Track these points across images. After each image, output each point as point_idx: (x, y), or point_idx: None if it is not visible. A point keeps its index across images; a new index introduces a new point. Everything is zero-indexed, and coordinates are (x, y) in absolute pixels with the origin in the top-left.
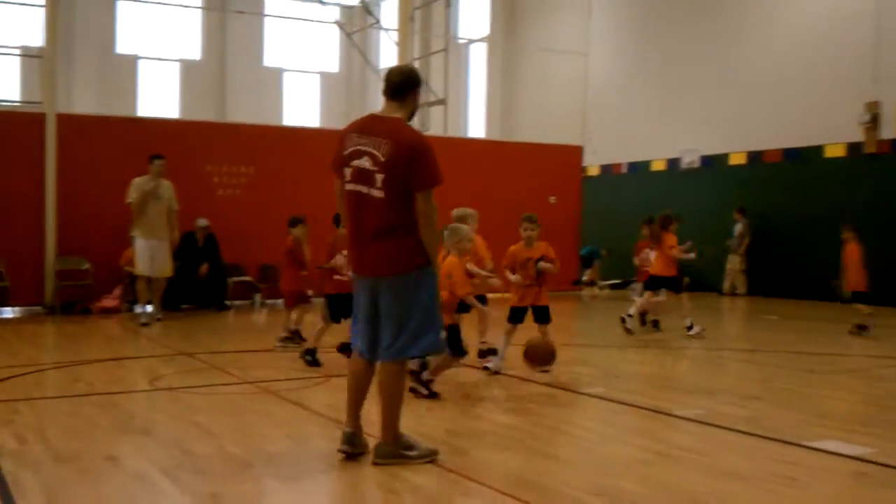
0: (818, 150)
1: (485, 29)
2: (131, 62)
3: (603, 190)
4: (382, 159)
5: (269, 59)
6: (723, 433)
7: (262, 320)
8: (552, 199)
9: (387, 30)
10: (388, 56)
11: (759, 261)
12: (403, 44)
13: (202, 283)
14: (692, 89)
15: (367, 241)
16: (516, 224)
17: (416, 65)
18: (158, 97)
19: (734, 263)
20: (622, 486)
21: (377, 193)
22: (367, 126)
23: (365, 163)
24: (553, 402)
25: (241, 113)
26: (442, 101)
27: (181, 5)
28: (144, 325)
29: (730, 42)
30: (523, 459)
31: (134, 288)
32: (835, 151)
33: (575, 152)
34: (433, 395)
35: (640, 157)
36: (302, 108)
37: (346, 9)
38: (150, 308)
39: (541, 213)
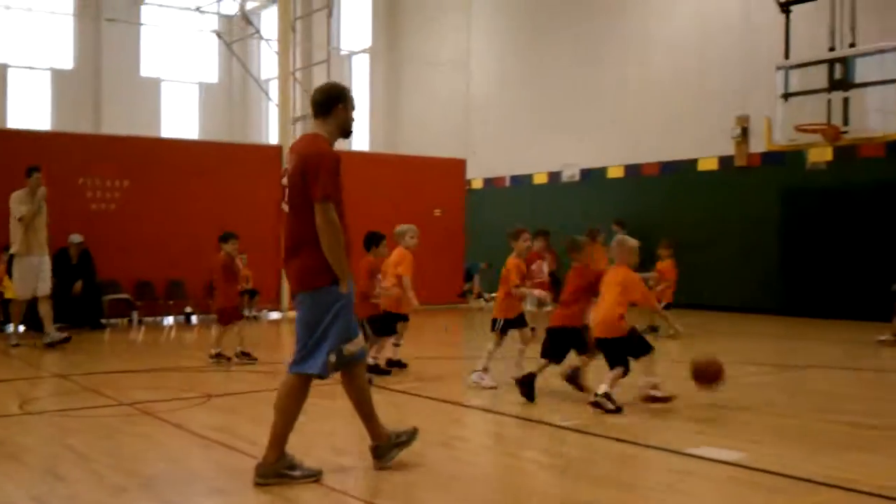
0: (692, 163)
1: (367, 41)
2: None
3: (486, 203)
4: (290, 175)
5: (147, 69)
6: (605, 442)
7: (139, 339)
8: (437, 213)
9: (267, 40)
10: (268, 66)
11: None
12: (284, 54)
13: (76, 302)
14: (572, 104)
15: (285, 256)
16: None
17: (298, 76)
18: (29, 108)
19: None
20: (506, 499)
21: (286, 208)
22: (293, 145)
23: (285, 180)
24: (439, 416)
25: (117, 124)
26: None
27: (51, 12)
28: (16, 345)
29: (608, 59)
30: (410, 476)
31: (6, 310)
32: (708, 165)
33: (458, 165)
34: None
35: (522, 171)
36: (181, 119)
37: (226, 18)
38: (21, 328)
39: (426, 227)
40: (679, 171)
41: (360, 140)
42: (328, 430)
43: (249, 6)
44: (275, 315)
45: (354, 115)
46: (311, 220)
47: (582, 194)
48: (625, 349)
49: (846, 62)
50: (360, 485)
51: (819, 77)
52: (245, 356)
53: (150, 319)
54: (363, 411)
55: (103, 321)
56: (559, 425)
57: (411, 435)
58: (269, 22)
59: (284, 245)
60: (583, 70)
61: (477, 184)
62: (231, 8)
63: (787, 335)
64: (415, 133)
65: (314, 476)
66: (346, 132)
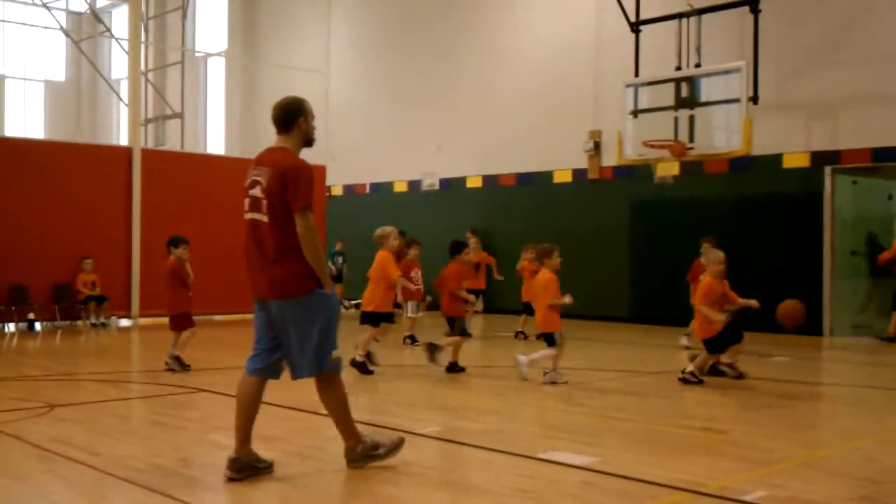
0: (548, 175)
1: (223, 43)
2: None
3: (346, 210)
4: (266, 186)
5: None
6: (461, 449)
7: None
8: None
9: (118, 39)
10: (119, 66)
11: (492, 279)
12: (135, 54)
13: None
14: (431, 113)
15: (257, 266)
16: None
17: (151, 77)
18: None
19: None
20: None
21: (263, 218)
22: (260, 158)
23: (256, 192)
24: (294, 426)
25: None
26: (178, 115)
27: None
28: None
29: (467, 70)
30: (265, 486)
31: None
32: (562, 177)
33: (318, 172)
34: None
35: (382, 178)
36: (25, 118)
37: (75, 15)
38: None
39: None
40: (535, 183)
41: (216, 144)
42: (171, 439)
43: (100, 4)
44: (125, 322)
45: (315, 123)
46: (292, 229)
47: (441, 203)
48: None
49: (692, 81)
50: (206, 498)
51: (667, 95)
52: (176, 360)
53: None
54: (339, 417)
55: None
56: (417, 433)
57: (392, 448)
58: (121, 20)
59: (260, 253)
60: (442, 80)
61: (337, 190)
62: (80, 5)
63: (636, 342)
64: (273, 138)
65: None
66: (309, 142)
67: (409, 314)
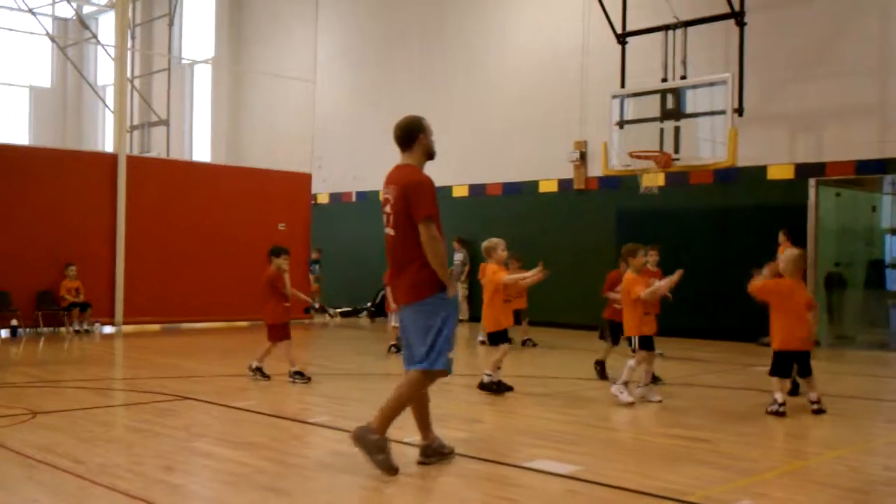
0: (534, 185)
1: (210, 51)
2: None
3: (332, 218)
4: (393, 202)
5: None
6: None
7: None
8: (281, 227)
9: (104, 45)
10: (105, 72)
11: (477, 288)
12: (121, 60)
13: None
14: None
15: (392, 275)
16: (244, 249)
17: (137, 84)
18: None
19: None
20: None
21: (392, 232)
22: (389, 177)
23: (387, 208)
24: (278, 433)
25: None
26: (164, 122)
27: None
28: None
29: (454, 79)
30: (248, 494)
31: None
32: (548, 187)
33: (304, 179)
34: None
35: (368, 187)
36: (9, 124)
37: (61, 21)
38: None
39: (270, 241)
40: (521, 193)
41: (202, 151)
42: (152, 445)
43: (86, 10)
44: (108, 329)
45: (433, 139)
46: (416, 241)
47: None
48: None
49: (678, 93)
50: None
51: (652, 106)
52: (298, 375)
53: None
54: (394, 409)
55: None
56: (403, 442)
57: (384, 465)
58: (107, 27)
59: (392, 264)
60: (429, 89)
61: (323, 198)
62: (67, 11)
63: (620, 352)
64: (259, 146)
65: (453, 451)
66: (431, 156)
67: (394, 323)
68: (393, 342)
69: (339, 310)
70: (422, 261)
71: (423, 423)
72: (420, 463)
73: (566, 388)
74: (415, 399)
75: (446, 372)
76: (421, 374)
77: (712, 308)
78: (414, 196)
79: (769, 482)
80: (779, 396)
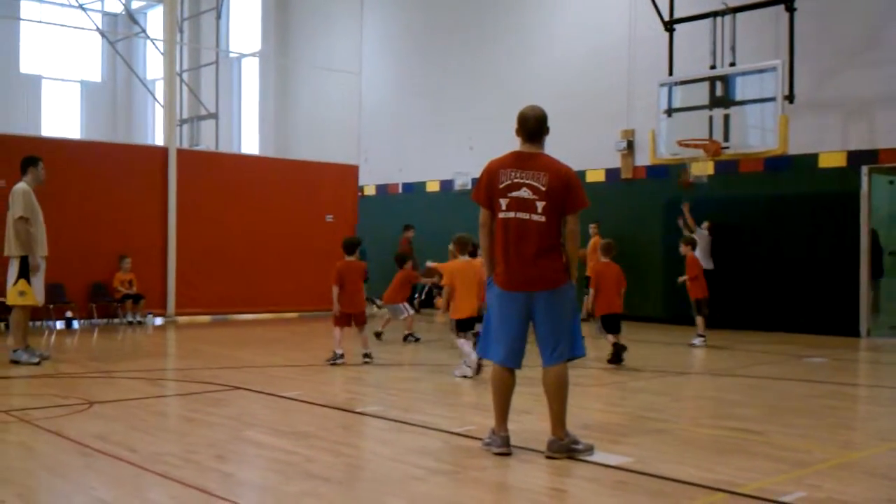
0: (581, 174)
1: (257, 44)
2: None
3: (379, 210)
4: (543, 189)
5: (27, 66)
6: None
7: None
8: (329, 218)
9: (153, 39)
10: (154, 66)
11: None
12: (170, 55)
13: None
14: (463, 113)
15: (528, 261)
16: (293, 241)
17: (185, 77)
18: None
19: None
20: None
21: (538, 218)
22: (520, 162)
23: (524, 193)
24: (328, 423)
25: None
26: (213, 116)
27: None
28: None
29: (499, 69)
30: (298, 483)
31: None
32: (596, 176)
33: (351, 171)
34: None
35: (414, 178)
36: (62, 118)
37: (110, 16)
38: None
39: (318, 233)
40: None
41: (250, 144)
42: (205, 434)
43: (135, 5)
44: (160, 320)
45: None
46: (558, 227)
47: (474, 203)
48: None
49: (727, 80)
50: (244, 491)
51: (701, 93)
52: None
53: (28, 324)
54: (561, 405)
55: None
56: (451, 431)
57: (587, 449)
58: (156, 21)
59: (527, 249)
60: (475, 79)
61: (370, 190)
62: (116, 6)
63: (668, 342)
64: (306, 138)
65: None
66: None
67: (410, 312)
68: (408, 332)
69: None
70: (560, 248)
71: (506, 413)
72: (548, 457)
73: (615, 379)
74: (567, 390)
75: (582, 356)
76: (564, 365)
77: (763, 298)
78: (576, 187)
79: (822, 474)
80: None
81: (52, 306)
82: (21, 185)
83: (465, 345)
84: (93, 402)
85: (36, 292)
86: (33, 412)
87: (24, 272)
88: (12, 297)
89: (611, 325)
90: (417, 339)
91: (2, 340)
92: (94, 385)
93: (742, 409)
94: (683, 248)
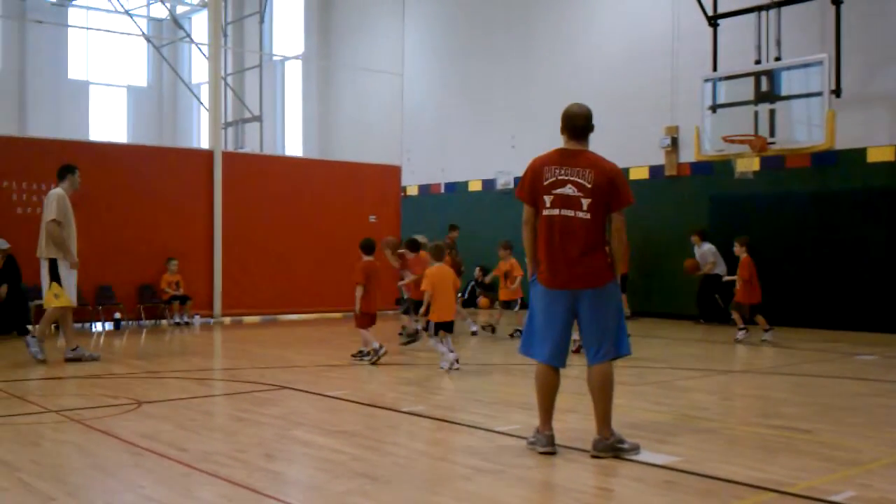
0: (625, 172)
1: (300, 47)
2: None
3: (422, 209)
4: (589, 186)
5: (74, 72)
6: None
7: (63, 346)
8: (373, 219)
9: (198, 44)
10: (199, 70)
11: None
12: (215, 59)
13: (1, 308)
14: (505, 112)
15: (573, 258)
16: (337, 241)
17: (230, 81)
18: None
19: None
20: (441, 503)
21: (583, 215)
22: (564, 159)
23: (568, 190)
24: (373, 422)
25: (43, 127)
26: (257, 118)
27: None
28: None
29: (541, 67)
30: (345, 481)
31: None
32: (639, 174)
33: (394, 172)
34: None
35: (457, 178)
36: (110, 123)
37: (155, 21)
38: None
39: (361, 233)
40: None
41: (294, 146)
42: (254, 433)
43: (180, 10)
44: (207, 321)
45: None
46: (604, 225)
47: (516, 202)
48: None
49: (772, 75)
50: (292, 490)
51: (746, 89)
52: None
53: (78, 326)
54: (606, 404)
55: (30, 328)
56: (495, 430)
57: (633, 448)
58: (200, 26)
59: (572, 247)
60: (516, 78)
61: (412, 190)
62: (161, 12)
63: (716, 341)
64: (349, 139)
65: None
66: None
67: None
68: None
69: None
70: (605, 246)
71: (551, 412)
72: (593, 457)
73: (662, 378)
74: (613, 389)
75: (628, 354)
76: (610, 364)
77: (812, 295)
78: (622, 184)
79: (873, 473)
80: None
81: (100, 307)
82: (57, 191)
83: (440, 346)
84: (142, 402)
85: (72, 295)
86: (84, 412)
87: (55, 275)
88: (48, 300)
89: None
90: (476, 332)
91: (53, 343)
92: (143, 385)
93: (790, 408)
94: (738, 249)
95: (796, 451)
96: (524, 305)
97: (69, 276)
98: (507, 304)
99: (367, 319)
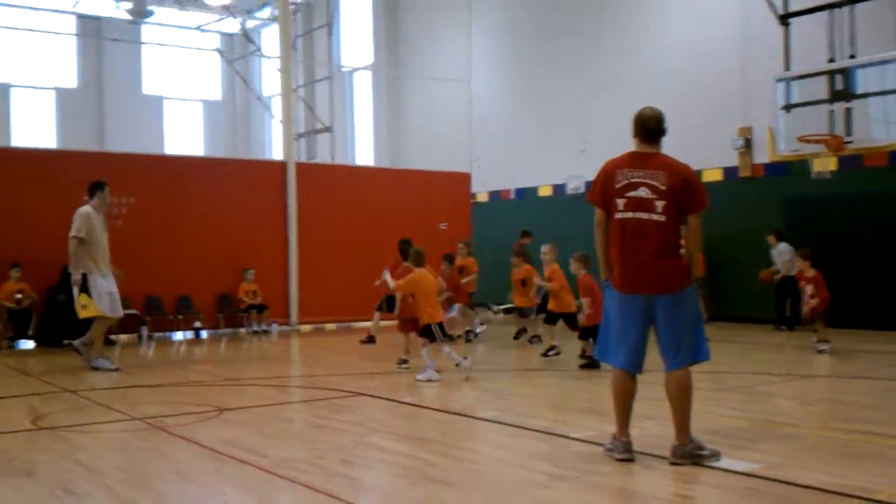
0: (698, 174)
1: (369, 57)
2: (2, 91)
3: (492, 216)
4: (663, 188)
5: (149, 87)
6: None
7: (149, 354)
8: (443, 226)
9: (268, 57)
10: (270, 83)
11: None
12: (286, 71)
13: (59, 318)
14: (575, 116)
15: (646, 262)
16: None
17: (301, 92)
18: (34, 127)
19: None
20: None
21: (658, 218)
22: (637, 162)
23: (642, 193)
24: (448, 428)
25: (121, 141)
26: (328, 129)
27: (54, 32)
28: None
29: (611, 71)
30: (420, 487)
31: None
32: (712, 175)
33: (463, 179)
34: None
35: (526, 184)
36: (185, 137)
37: (227, 36)
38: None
39: (432, 240)
40: None
41: (365, 155)
42: (332, 440)
43: (250, 25)
44: (284, 329)
45: None
46: (678, 229)
47: (587, 207)
48: None
49: (847, 73)
50: (370, 496)
51: (820, 88)
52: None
53: (159, 335)
54: (685, 410)
55: (112, 337)
56: (570, 437)
57: (713, 455)
58: (271, 39)
59: (645, 250)
60: (584, 83)
61: (482, 197)
62: (232, 26)
63: (794, 345)
64: (419, 148)
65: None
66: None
67: (452, 314)
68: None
69: (501, 307)
70: (679, 248)
71: (628, 418)
72: (672, 464)
73: (741, 384)
74: (691, 395)
75: (707, 359)
76: (688, 370)
77: (890, 297)
78: (698, 186)
79: None
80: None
81: (180, 317)
82: (85, 208)
83: (427, 356)
84: (223, 409)
85: (103, 304)
86: (166, 419)
87: (84, 286)
88: (78, 310)
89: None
90: (520, 336)
91: (110, 353)
92: (224, 392)
93: (873, 413)
94: (802, 263)
95: (882, 456)
96: (541, 310)
97: (100, 288)
98: (524, 312)
99: (409, 325)
